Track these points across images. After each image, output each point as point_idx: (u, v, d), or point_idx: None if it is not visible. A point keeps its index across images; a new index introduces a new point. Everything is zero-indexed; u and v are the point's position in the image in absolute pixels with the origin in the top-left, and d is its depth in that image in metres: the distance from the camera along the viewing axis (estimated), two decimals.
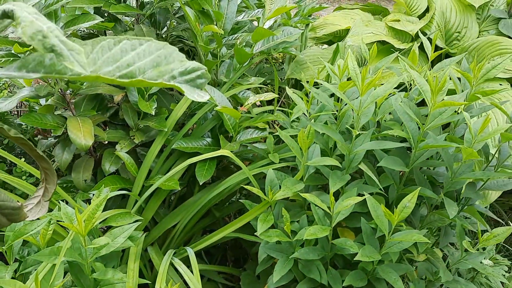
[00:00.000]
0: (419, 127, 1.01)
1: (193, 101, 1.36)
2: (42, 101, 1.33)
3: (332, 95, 1.29)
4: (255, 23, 1.63)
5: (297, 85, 1.84)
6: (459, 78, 1.18)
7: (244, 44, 1.41)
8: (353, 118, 1.13)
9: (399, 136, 1.09)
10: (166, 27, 1.40)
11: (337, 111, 1.13)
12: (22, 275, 1.00)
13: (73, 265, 0.96)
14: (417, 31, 1.70)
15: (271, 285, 1.08)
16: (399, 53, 1.63)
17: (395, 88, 1.34)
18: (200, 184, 1.24)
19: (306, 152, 1.06)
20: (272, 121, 1.82)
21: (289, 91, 1.17)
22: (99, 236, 1.16)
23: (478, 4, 1.71)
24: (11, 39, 1.12)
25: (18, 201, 0.60)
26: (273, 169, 1.16)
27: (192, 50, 1.75)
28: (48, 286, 0.91)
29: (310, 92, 1.25)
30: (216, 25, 1.38)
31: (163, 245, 1.38)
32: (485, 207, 1.60)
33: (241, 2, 1.58)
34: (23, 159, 1.28)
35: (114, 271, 0.91)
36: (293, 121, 1.32)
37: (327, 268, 1.11)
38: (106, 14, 1.31)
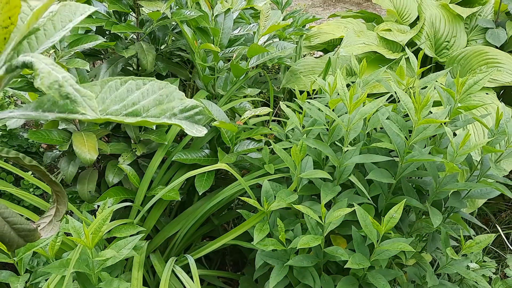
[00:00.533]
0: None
1: None
2: None
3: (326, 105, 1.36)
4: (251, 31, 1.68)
5: (292, 93, 1.90)
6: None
7: (240, 57, 1.47)
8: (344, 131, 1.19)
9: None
10: (165, 43, 1.46)
11: (328, 122, 1.19)
12: (33, 285, 1.06)
13: (80, 275, 1.02)
14: (408, 41, 1.76)
15: None
16: (390, 63, 1.69)
17: (384, 95, 1.40)
18: (200, 194, 1.30)
19: (299, 165, 1.12)
20: (269, 123, 1.88)
21: (283, 105, 1.23)
22: (104, 246, 1.22)
23: (466, 15, 1.77)
24: None
25: (32, 222, 0.66)
26: (268, 180, 1.22)
27: (189, 61, 1.81)
28: None
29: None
30: (213, 40, 1.44)
31: (165, 252, 1.44)
32: (474, 211, 1.66)
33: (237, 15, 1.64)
34: (29, 172, 1.34)
35: (120, 281, 0.98)
36: (288, 131, 1.38)
37: (320, 274, 1.17)
38: (107, 32, 1.37)
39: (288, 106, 1.36)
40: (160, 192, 1.23)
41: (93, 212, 1.42)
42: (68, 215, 1.05)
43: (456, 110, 1.09)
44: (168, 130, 1.37)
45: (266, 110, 1.23)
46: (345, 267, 1.01)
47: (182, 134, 1.48)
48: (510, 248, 1.63)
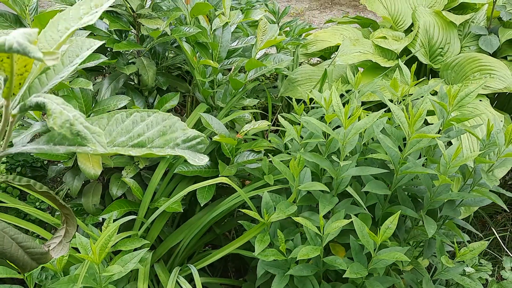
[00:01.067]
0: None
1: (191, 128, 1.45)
2: None
3: (322, 116, 1.39)
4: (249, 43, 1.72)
5: (290, 102, 1.94)
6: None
7: (238, 69, 1.50)
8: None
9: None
10: (165, 57, 1.49)
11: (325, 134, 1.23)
12: None
13: None
14: (402, 49, 1.79)
15: None
16: (385, 71, 1.73)
17: (380, 102, 1.44)
18: (202, 206, 1.33)
19: (297, 177, 1.16)
20: (268, 133, 1.92)
21: (281, 119, 1.27)
22: (110, 258, 1.26)
23: (459, 22, 1.80)
24: None
25: (43, 245, 0.70)
26: (268, 191, 1.25)
27: (188, 72, 1.85)
28: None
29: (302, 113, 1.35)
30: (212, 54, 1.47)
31: (168, 261, 1.48)
32: (470, 215, 1.70)
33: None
34: None
35: None
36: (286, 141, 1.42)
37: (320, 282, 1.21)
38: (108, 49, 1.41)
39: (285, 118, 1.40)
40: (164, 205, 1.26)
41: (97, 225, 1.46)
42: (77, 233, 1.08)
43: (448, 122, 1.12)
44: None
45: (265, 123, 1.27)
46: (344, 276, 1.05)
47: None
48: (506, 250, 1.67)
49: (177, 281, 1.25)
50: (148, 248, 1.36)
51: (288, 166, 1.20)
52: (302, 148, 1.20)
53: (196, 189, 1.36)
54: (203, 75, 1.35)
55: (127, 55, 1.50)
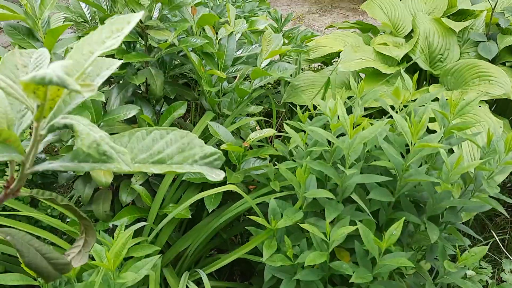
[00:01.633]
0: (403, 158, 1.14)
1: (200, 135, 1.49)
2: None
3: (326, 123, 1.43)
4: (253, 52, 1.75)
5: (293, 108, 1.97)
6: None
7: (243, 77, 1.54)
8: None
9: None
10: (172, 66, 1.53)
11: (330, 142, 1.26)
12: None
13: None
14: (403, 56, 1.83)
15: None
16: (387, 77, 1.76)
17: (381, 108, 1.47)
18: (209, 212, 1.37)
19: (303, 184, 1.19)
20: (272, 138, 1.95)
21: (286, 126, 1.30)
22: (121, 264, 1.29)
23: (459, 29, 1.84)
24: None
25: (64, 254, 0.73)
26: (274, 198, 1.29)
27: (192, 79, 1.88)
28: None
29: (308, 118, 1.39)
30: (217, 62, 1.51)
31: (176, 266, 1.52)
32: (470, 219, 1.74)
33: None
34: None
35: None
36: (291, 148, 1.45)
37: (325, 286, 1.25)
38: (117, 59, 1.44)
39: (289, 125, 1.43)
40: (174, 211, 1.30)
41: (108, 231, 1.49)
42: None
43: (449, 130, 1.16)
44: None
45: (270, 132, 1.30)
46: (349, 281, 1.08)
47: None
48: (505, 253, 1.70)
49: (186, 286, 1.28)
50: (158, 250, 1.40)
51: (293, 173, 1.24)
52: (307, 156, 1.24)
53: (204, 199, 1.40)
54: (210, 85, 1.39)
55: (135, 66, 1.54)
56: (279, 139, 1.93)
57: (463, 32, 1.95)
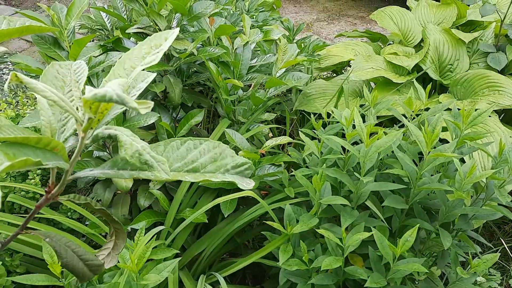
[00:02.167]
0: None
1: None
2: None
3: (339, 131, 1.47)
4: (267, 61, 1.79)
5: (305, 115, 2.01)
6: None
7: (258, 86, 1.58)
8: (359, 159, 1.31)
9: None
10: (189, 75, 1.57)
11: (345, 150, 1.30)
12: None
13: None
14: (414, 66, 1.87)
15: None
16: (398, 86, 1.80)
17: (393, 116, 1.51)
18: (225, 216, 1.41)
19: (319, 191, 1.23)
20: (285, 144, 1.99)
21: (302, 135, 1.34)
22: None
23: (468, 40, 1.88)
24: None
25: (96, 255, 0.77)
26: (289, 204, 1.33)
27: (208, 86, 1.92)
28: None
29: (322, 126, 1.42)
30: (233, 71, 1.55)
31: (191, 269, 1.55)
32: (479, 226, 1.77)
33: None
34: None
35: None
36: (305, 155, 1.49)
37: None
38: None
39: (303, 132, 1.47)
40: (191, 216, 1.33)
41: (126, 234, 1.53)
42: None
43: (461, 140, 1.19)
44: None
45: (286, 139, 1.34)
46: (364, 286, 1.11)
47: None
48: None
49: None
50: (176, 257, 1.44)
51: (309, 180, 1.28)
52: (323, 163, 1.28)
53: (220, 204, 1.44)
54: (227, 93, 1.43)
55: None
56: (290, 145, 1.97)
57: (473, 42, 1.99)
